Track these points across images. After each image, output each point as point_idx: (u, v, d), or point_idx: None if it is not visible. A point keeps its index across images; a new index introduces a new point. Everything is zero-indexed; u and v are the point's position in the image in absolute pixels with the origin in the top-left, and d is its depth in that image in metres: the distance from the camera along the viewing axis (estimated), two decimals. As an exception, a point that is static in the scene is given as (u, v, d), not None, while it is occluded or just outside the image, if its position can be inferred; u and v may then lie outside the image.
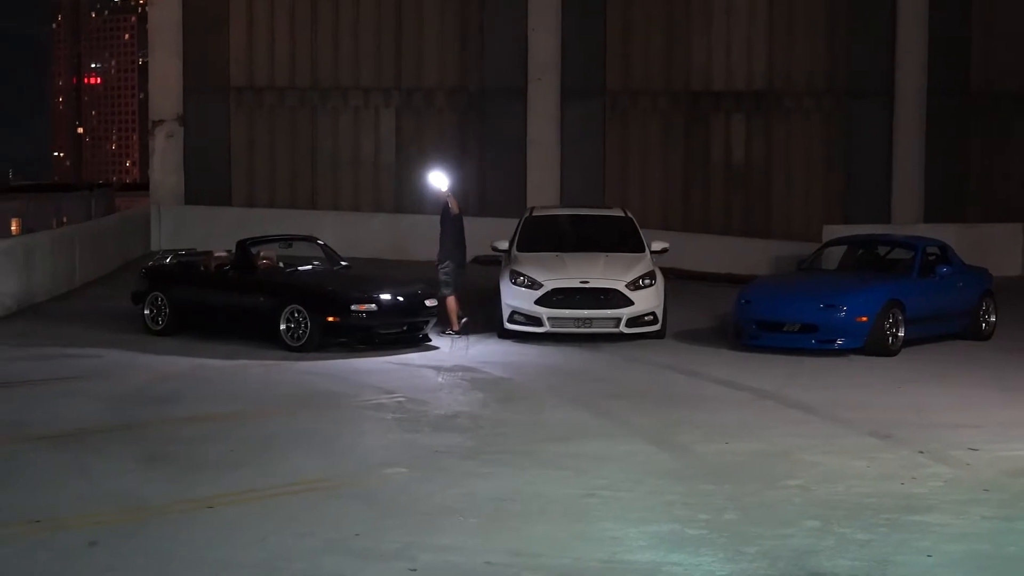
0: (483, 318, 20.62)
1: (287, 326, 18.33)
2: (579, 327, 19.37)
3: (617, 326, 19.34)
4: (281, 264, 20.05)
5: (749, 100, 33.36)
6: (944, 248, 20.60)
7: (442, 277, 20.02)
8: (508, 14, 33.86)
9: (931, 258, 20.09)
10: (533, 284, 19.44)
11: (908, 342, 18.65)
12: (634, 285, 19.45)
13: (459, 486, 10.80)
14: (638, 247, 20.68)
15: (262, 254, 19.87)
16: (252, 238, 20.23)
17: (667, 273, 21.14)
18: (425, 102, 34.60)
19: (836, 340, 18.26)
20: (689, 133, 33.67)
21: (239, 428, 13.26)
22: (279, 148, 35.18)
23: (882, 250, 21.23)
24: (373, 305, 18.42)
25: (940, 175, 32.79)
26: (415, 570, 8.60)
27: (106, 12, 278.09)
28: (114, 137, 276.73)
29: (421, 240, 20.65)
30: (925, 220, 31.63)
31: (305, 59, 35.03)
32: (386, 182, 34.49)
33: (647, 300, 19.49)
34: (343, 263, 20.32)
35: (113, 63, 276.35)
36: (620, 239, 21.00)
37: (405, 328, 18.85)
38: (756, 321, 18.79)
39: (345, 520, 9.71)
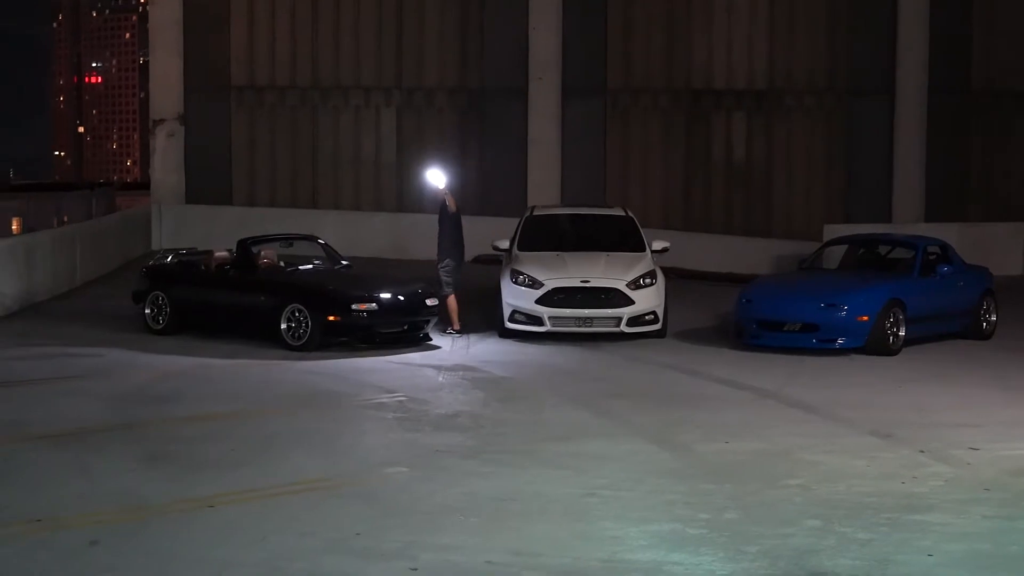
0: (484, 317, 20.63)
1: (288, 325, 18.33)
2: (580, 326, 19.36)
3: (618, 325, 19.34)
4: (282, 263, 20.05)
5: (750, 99, 33.36)
6: (945, 247, 20.60)
7: (442, 276, 20.02)
8: (509, 13, 33.86)
9: (932, 257, 20.09)
10: (534, 283, 19.44)
11: (909, 341, 18.64)
12: (635, 284, 19.45)
13: (460, 485, 10.80)
14: (639, 246, 20.67)
15: (263, 253, 19.86)
16: (253, 237, 20.23)
17: (668, 272, 21.14)
18: (426, 101, 34.61)
19: (837, 339, 18.26)
20: (690, 132, 33.66)
21: (240, 427, 13.26)
22: (280, 147, 35.19)
23: (883, 249, 21.23)
24: (374, 304, 18.42)
25: (941, 174, 32.79)
26: (416, 569, 8.60)
27: (107, 11, 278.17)
28: (115, 136, 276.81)
29: (422, 239, 20.66)
30: (926, 219, 31.63)
31: (306, 58, 35.03)
32: (387, 181, 34.49)
33: (648, 299, 19.49)
34: (344, 262, 20.33)
35: (114, 62, 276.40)
36: (621, 238, 21.00)
37: (406, 327, 18.85)
38: (757, 320, 18.79)
39: (346, 519, 9.71)
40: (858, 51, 32.98)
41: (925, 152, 32.68)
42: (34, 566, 8.64)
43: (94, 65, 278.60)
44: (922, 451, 12.27)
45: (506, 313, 19.60)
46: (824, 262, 21.41)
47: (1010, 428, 13.51)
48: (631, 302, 19.34)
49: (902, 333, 18.51)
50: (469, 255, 26.82)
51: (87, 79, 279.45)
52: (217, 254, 20.02)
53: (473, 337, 19.67)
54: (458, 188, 31.84)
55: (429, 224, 20.66)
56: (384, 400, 14.80)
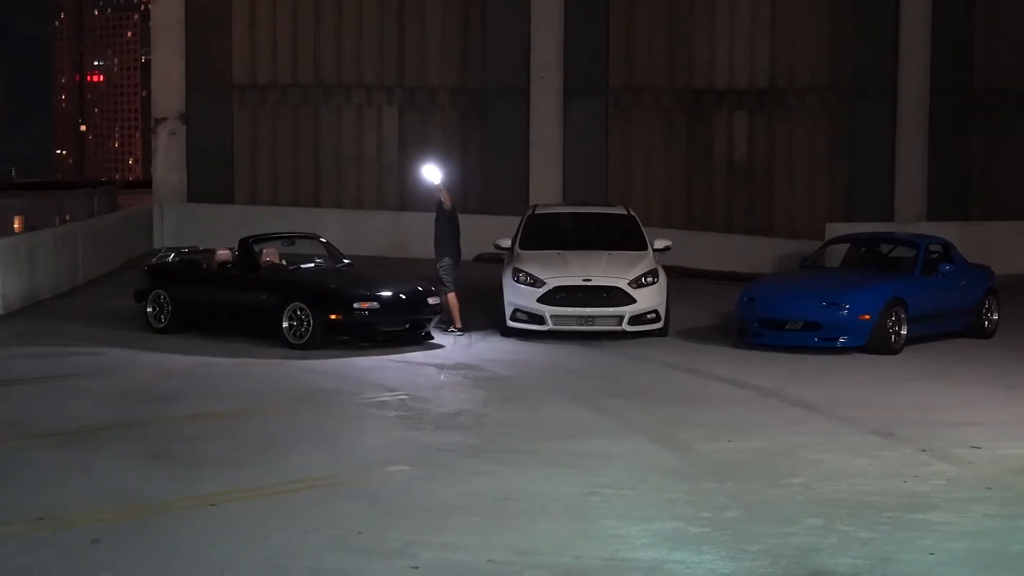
0: (486, 316, 20.64)
1: (290, 324, 18.33)
2: (582, 325, 19.37)
3: (620, 324, 19.34)
4: (284, 262, 20.05)
5: (752, 98, 33.35)
6: (947, 246, 20.59)
7: (442, 275, 20.03)
8: (511, 12, 33.86)
9: (934, 256, 20.08)
10: (536, 282, 19.44)
11: (911, 340, 18.64)
12: (637, 283, 19.46)
13: (461, 484, 10.80)
14: (641, 245, 20.68)
15: (265, 252, 19.86)
16: (255, 236, 20.23)
17: (670, 271, 21.14)
18: (428, 100, 34.61)
19: (839, 338, 18.26)
20: (692, 131, 33.65)
21: (241, 426, 13.26)
22: (282, 146, 35.20)
23: (885, 248, 21.23)
24: (375, 303, 18.43)
25: (943, 173, 32.78)
26: (417, 568, 8.60)
27: (109, 10, 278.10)
28: (117, 135, 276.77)
29: (423, 238, 20.65)
30: (928, 218, 31.60)
31: (308, 57, 35.03)
32: (389, 180, 34.50)
33: (650, 298, 19.49)
34: (346, 261, 20.33)
35: (116, 61, 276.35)
36: (623, 237, 21.00)
37: (407, 326, 18.85)
38: (759, 319, 18.79)
39: (348, 518, 9.71)
40: (860, 51, 32.96)
41: (927, 152, 32.67)
42: (36, 564, 8.65)
43: (96, 64, 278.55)
44: (924, 450, 12.27)
45: (508, 312, 19.60)
46: (826, 261, 21.41)
47: (1012, 427, 13.51)
48: (633, 301, 19.35)
49: (904, 332, 18.51)
50: (471, 254, 26.84)
51: (89, 78, 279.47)
52: (219, 253, 20.02)
53: (475, 336, 19.68)
54: (460, 187, 32.02)
55: (431, 222, 20.66)
56: (386, 399, 14.80)
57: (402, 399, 14.75)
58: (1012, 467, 11.62)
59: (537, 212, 21.91)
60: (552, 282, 19.40)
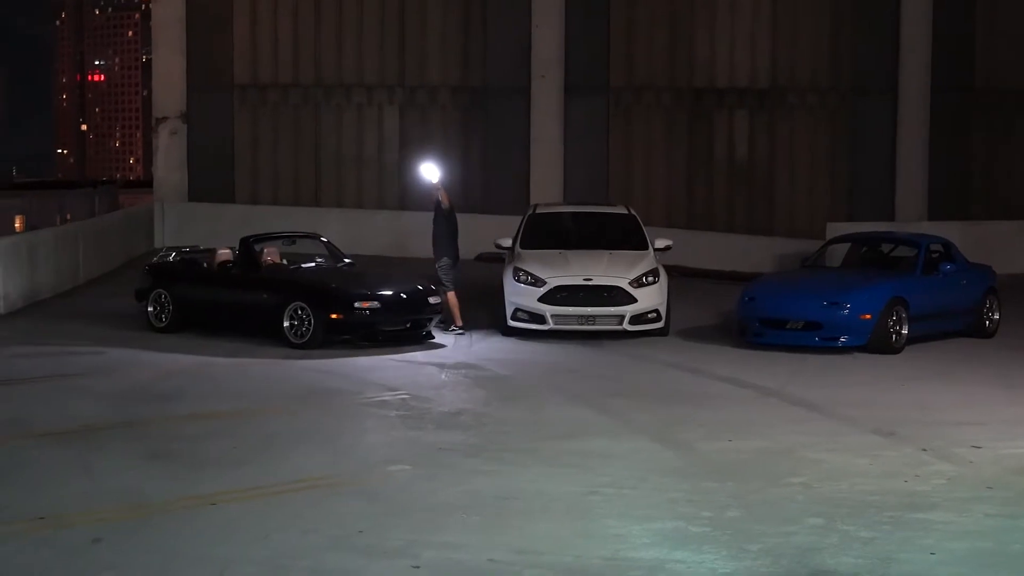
0: (487, 315, 20.64)
1: (291, 323, 18.33)
2: (582, 324, 19.36)
3: (620, 323, 19.33)
4: (285, 261, 20.05)
5: (752, 97, 33.34)
6: (948, 245, 20.59)
7: (440, 275, 20.04)
8: (511, 11, 33.85)
9: (935, 256, 20.08)
10: (536, 281, 19.43)
11: (912, 340, 18.63)
12: (637, 282, 19.45)
13: (462, 483, 10.80)
14: (641, 244, 20.67)
15: (266, 251, 19.85)
16: (256, 235, 20.23)
17: (670, 270, 21.14)
18: (429, 99, 34.61)
19: (840, 338, 18.25)
20: (693, 130, 33.64)
21: (242, 425, 13.26)
22: (283, 145, 35.20)
23: (886, 248, 21.22)
24: (376, 302, 18.43)
25: (944, 172, 32.77)
26: (418, 567, 8.60)
27: (110, 9, 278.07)
28: (118, 134, 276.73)
29: (424, 237, 20.61)
30: (929, 218, 31.59)
31: (308, 56, 35.04)
32: (389, 179, 34.50)
33: (650, 297, 19.49)
34: (346, 260, 20.32)
35: (117, 60, 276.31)
36: (623, 236, 20.99)
37: (408, 325, 18.85)
38: (760, 318, 18.79)
39: (348, 517, 9.71)
40: (861, 50, 32.95)
41: (928, 151, 32.65)
42: (37, 564, 8.65)
43: (97, 63, 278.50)
44: (925, 449, 12.26)
45: (509, 311, 19.60)
46: (827, 260, 21.40)
47: (1013, 426, 13.50)
48: (634, 300, 19.34)
49: (905, 331, 18.50)
50: (472, 253, 26.85)
51: (90, 77, 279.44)
52: (220, 252, 20.02)
53: (476, 335, 19.67)
54: (461, 186, 32.02)
55: (430, 222, 20.65)
56: (386, 398, 14.80)
57: (403, 398, 14.75)
58: (1013, 466, 11.62)
59: (538, 211, 21.90)
60: (553, 281, 19.40)
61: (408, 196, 33.37)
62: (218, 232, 28.53)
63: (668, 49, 33.62)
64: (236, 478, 10.92)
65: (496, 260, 23.33)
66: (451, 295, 19.87)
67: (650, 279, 19.59)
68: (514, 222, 22.08)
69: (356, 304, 18.31)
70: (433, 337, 19.15)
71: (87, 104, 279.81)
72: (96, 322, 20.71)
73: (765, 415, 14.04)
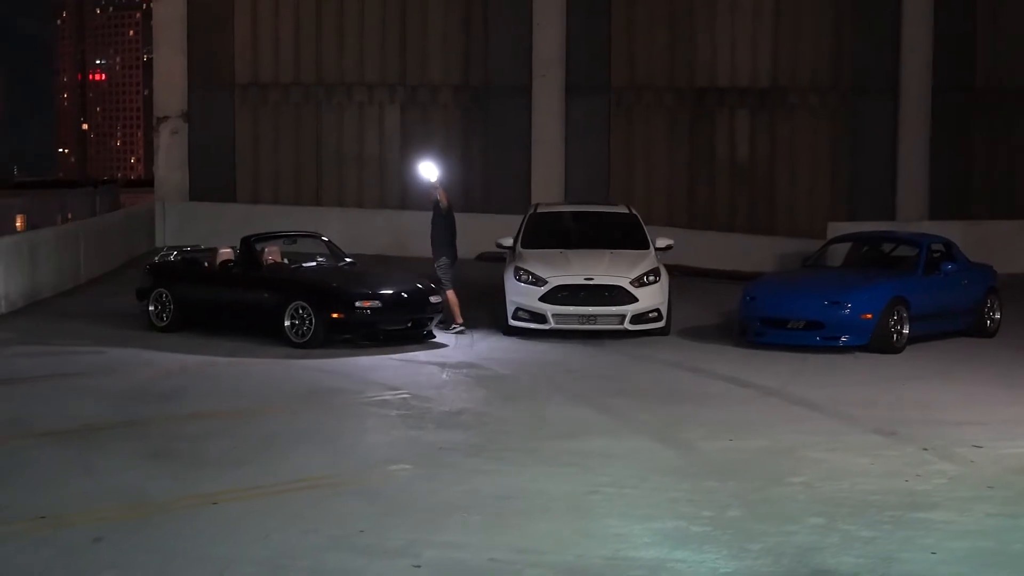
0: (488, 315, 20.63)
1: (291, 322, 18.33)
2: (583, 324, 19.36)
3: (621, 323, 19.33)
4: (286, 260, 20.04)
5: (754, 97, 33.34)
6: (949, 245, 20.59)
7: (439, 274, 20.05)
8: (512, 10, 33.86)
9: (936, 255, 20.07)
10: (537, 281, 19.43)
11: (913, 339, 18.63)
12: (639, 282, 19.45)
13: (463, 483, 10.80)
14: (643, 244, 20.66)
15: (267, 251, 19.84)
16: (257, 235, 20.22)
17: (672, 270, 21.13)
18: (430, 98, 34.61)
19: (841, 337, 18.25)
20: (694, 130, 33.65)
21: (243, 425, 13.26)
22: (284, 144, 35.20)
23: (887, 247, 21.22)
24: (377, 301, 18.43)
25: (945, 172, 32.78)
26: (419, 567, 8.60)
27: (111, 8, 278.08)
28: (119, 133, 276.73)
29: (425, 237, 20.61)
30: (930, 217, 31.58)
31: (309, 55, 35.04)
32: (390, 178, 34.49)
33: (652, 297, 19.48)
34: (347, 259, 20.32)
35: (118, 60, 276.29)
36: (624, 236, 20.99)
37: (409, 324, 18.85)
38: (761, 318, 18.79)
39: (349, 517, 9.71)
40: (862, 49, 32.96)
41: (929, 150, 32.66)
42: (37, 563, 8.65)
43: (98, 62, 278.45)
44: (926, 449, 12.26)
45: (510, 311, 19.59)
46: (828, 260, 21.39)
47: (1014, 426, 13.49)
48: (635, 300, 19.33)
49: (906, 331, 18.50)
50: (473, 252, 26.83)
51: (91, 76, 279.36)
52: (221, 251, 20.02)
53: (477, 334, 19.67)
54: (462, 185, 32.05)
55: (430, 222, 20.67)
56: (387, 397, 14.80)
57: (404, 398, 14.75)
58: (1014, 466, 11.62)
59: (539, 211, 21.90)
60: (554, 281, 19.39)
61: (409, 195, 33.35)
62: (219, 231, 28.53)
63: (669, 49, 33.62)
64: (237, 478, 10.92)
65: (497, 259, 23.33)
66: (450, 293, 19.87)
67: (651, 278, 19.59)
68: (515, 221, 22.07)
69: (357, 303, 18.30)
70: (434, 336, 19.14)
71: (88, 103, 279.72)
72: (97, 321, 20.71)
73: (766, 415, 14.04)
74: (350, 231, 30.31)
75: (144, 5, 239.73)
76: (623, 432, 13.09)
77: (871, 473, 11.29)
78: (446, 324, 19.71)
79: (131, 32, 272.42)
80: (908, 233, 22.87)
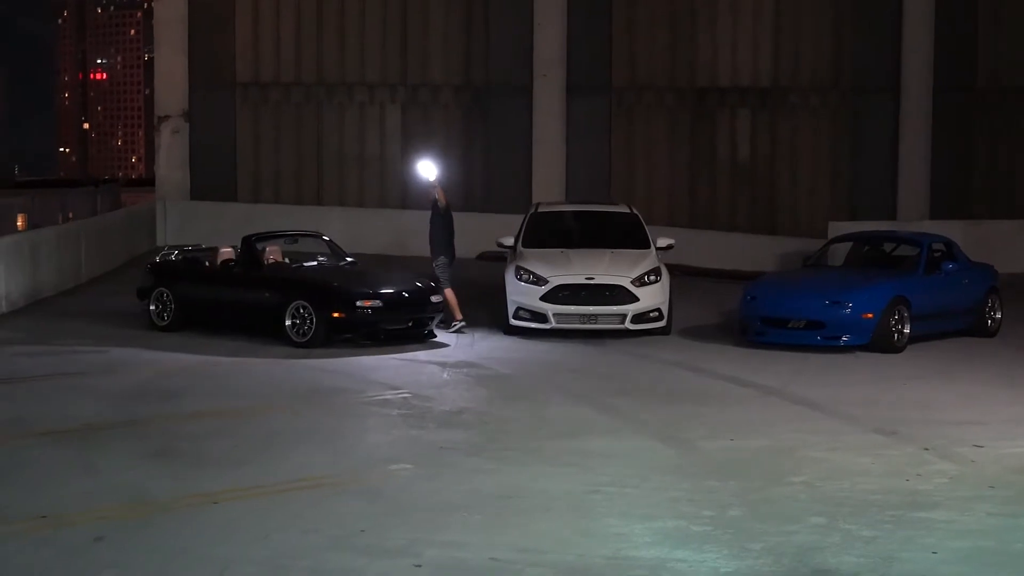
0: (489, 314, 20.63)
1: (293, 322, 18.32)
2: (584, 323, 19.36)
3: (622, 322, 19.33)
4: (287, 260, 20.04)
5: (754, 96, 33.32)
6: (950, 245, 20.58)
7: (437, 272, 20.07)
8: (513, 10, 33.84)
9: (937, 255, 20.07)
10: (538, 280, 19.43)
11: (914, 339, 18.63)
12: (640, 281, 19.45)
13: (464, 482, 10.81)
14: (643, 243, 20.66)
15: (268, 250, 19.84)
16: (258, 234, 20.21)
17: (672, 269, 21.13)
18: (431, 98, 34.60)
19: (842, 337, 18.24)
20: (695, 129, 33.63)
21: (244, 424, 13.27)
22: (284, 144, 35.19)
23: (888, 247, 21.21)
24: (378, 301, 18.42)
25: (946, 171, 32.75)
26: (420, 566, 8.60)
27: (112, 8, 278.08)
28: (120, 133, 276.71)
29: (426, 236, 20.62)
30: (931, 217, 31.55)
31: (311, 55, 35.02)
32: (391, 178, 34.46)
33: (653, 296, 19.48)
34: (348, 259, 20.32)
35: (119, 59, 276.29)
36: (625, 235, 20.98)
37: (410, 324, 18.84)
38: (761, 317, 18.78)
39: (350, 516, 9.71)
40: (863, 49, 32.92)
41: (930, 149, 32.63)
42: (38, 563, 8.65)
43: (99, 62, 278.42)
44: (926, 448, 12.26)
45: (511, 310, 19.59)
46: (829, 259, 21.39)
47: (1014, 426, 13.49)
48: (636, 299, 19.33)
49: (907, 330, 18.50)
50: (474, 252, 26.80)
51: (92, 76, 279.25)
52: (222, 251, 20.02)
53: (478, 334, 19.67)
54: (463, 185, 32.04)
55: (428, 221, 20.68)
56: (388, 397, 14.80)
57: (405, 397, 14.75)
58: (1014, 466, 11.62)
59: (540, 210, 21.89)
60: (555, 280, 19.39)
61: (410, 195, 33.33)
62: (220, 231, 28.50)
63: (670, 48, 33.60)
64: (237, 477, 10.92)
65: (498, 259, 23.33)
66: (448, 292, 19.86)
67: (652, 278, 19.59)
68: (516, 221, 22.07)
69: (358, 303, 18.30)
70: (435, 336, 19.14)
71: (89, 103, 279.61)
72: (98, 321, 20.71)
73: (767, 414, 14.04)
74: (351, 231, 30.29)
75: (145, 4, 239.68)
76: (624, 431, 13.09)
77: (872, 473, 11.29)
78: (447, 323, 19.71)
79: (132, 31, 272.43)
80: (909, 233, 22.86)
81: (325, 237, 20.93)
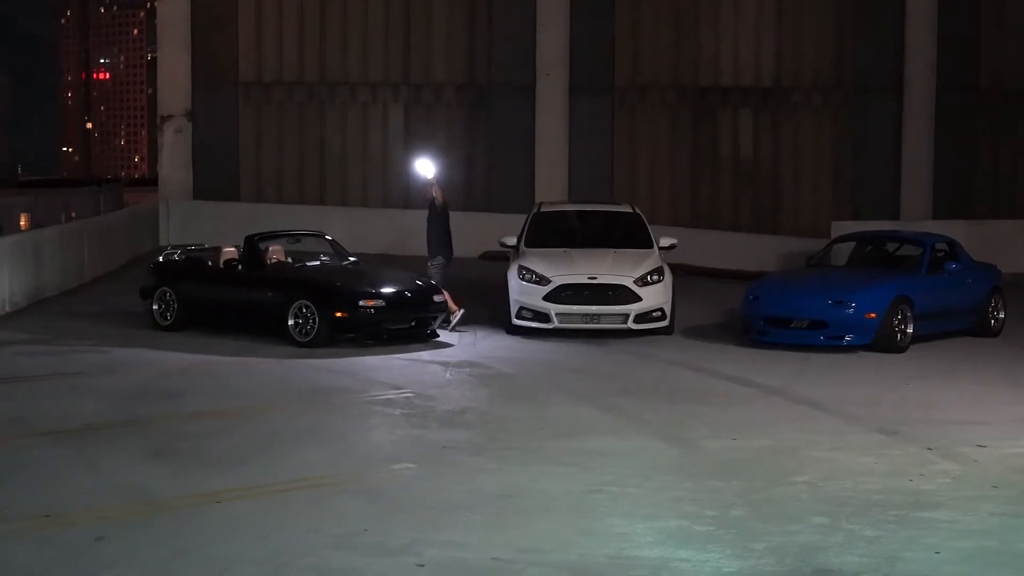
0: (491, 314, 20.62)
1: (295, 321, 18.32)
2: (587, 323, 19.35)
3: (625, 322, 19.31)
4: (289, 259, 20.03)
5: (757, 96, 33.32)
6: (953, 244, 20.57)
7: (431, 271, 20.07)
8: (516, 10, 33.83)
9: (940, 254, 20.05)
10: (541, 280, 19.42)
11: (917, 338, 18.61)
12: (642, 281, 19.43)
13: (466, 482, 10.80)
14: (646, 243, 20.65)
15: (271, 250, 19.82)
16: (260, 234, 20.22)
17: (675, 269, 21.11)
18: (433, 97, 34.59)
19: (845, 336, 18.23)
20: (697, 129, 33.62)
21: (246, 424, 13.26)
22: (287, 143, 35.20)
23: (891, 246, 21.20)
24: (381, 300, 18.42)
25: (949, 171, 32.74)
26: (422, 565, 8.59)
27: (115, 7, 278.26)
28: (123, 132, 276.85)
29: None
30: (934, 216, 31.55)
31: (313, 54, 35.02)
32: (394, 178, 34.44)
33: (655, 296, 19.46)
34: (351, 258, 20.31)
35: (122, 58, 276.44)
36: (628, 235, 20.97)
37: (413, 323, 18.84)
38: (764, 317, 18.77)
39: (352, 516, 9.70)
40: (865, 49, 32.92)
41: (933, 149, 32.62)
42: (39, 562, 8.64)
43: (102, 61, 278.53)
44: (929, 448, 12.25)
45: (513, 310, 19.58)
46: (832, 259, 21.38)
47: (1018, 425, 13.48)
48: (638, 299, 19.32)
49: (910, 330, 18.48)
50: (476, 251, 26.79)
51: (95, 75, 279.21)
52: (225, 250, 20.01)
53: (480, 333, 19.66)
54: (465, 184, 32.06)
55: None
56: (391, 396, 14.79)
57: (407, 397, 14.74)
58: (1017, 466, 11.61)
59: (543, 210, 21.88)
60: (558, 280, 19.38)
61: (412, 195, 33.31)
62: (223, 230, 28.48)
63: (672, 48, 33.59)
64: (239, 476, 10.92)
65: (501, 258, 23.32)
66: (444, 292, 19.84)
67: (655, 278, 19.57)
68: (519, 221, 22.06)
69: (361, 302, 18.29)
70: (438, 335, 19.13)
71: (92, 102, 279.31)
72: (101, 320, 20.71)
73: (769, 414, 14.03)
74: (353, 230, 30.27)
75: (148, 4, 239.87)
76: (626, 431, 13.08)
77: (875, 472, 11.28)
78: (447, 324, 19.67)
79: (135, 31, 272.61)
80: (912, 232, 22.85)
81: (328, 237, 20.91)
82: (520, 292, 19.53)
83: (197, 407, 14.14)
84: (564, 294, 19.31)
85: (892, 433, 12.94)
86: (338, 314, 18.20)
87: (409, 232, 31.63)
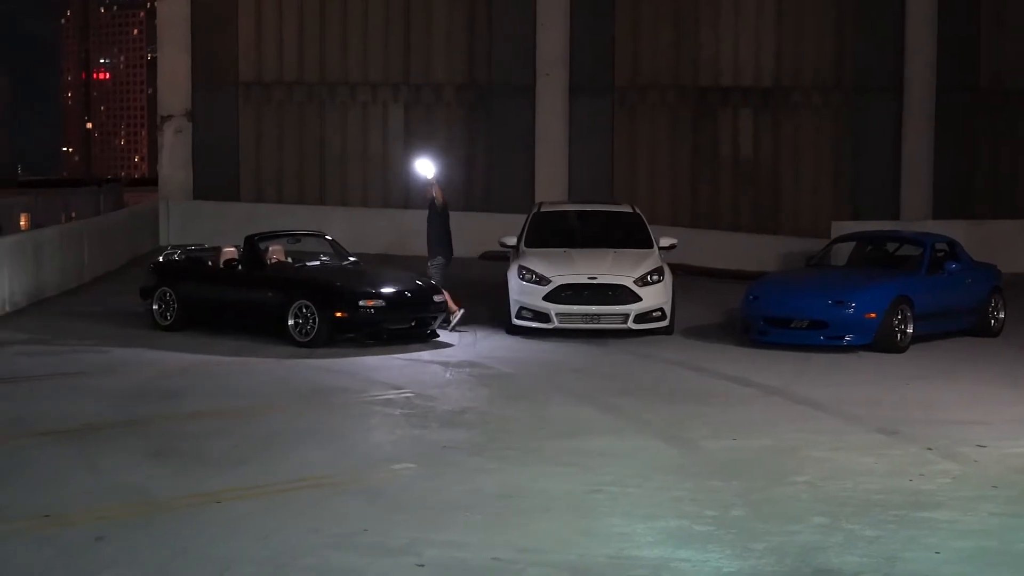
0: (491, 314, 20.62)
1: (295, 321, 18.32)
2: (587, 323, 19.35)
3: (625, 322, 19.31)
4: (289, 259, 20.03)
5: (757, 96, 33.32)
6: (953, 244, 20.57)
7: (431, 271, 20.07)
8: (516, 9, 33.83)
9: (940, 254, 20.05)
10: (541, 280, 19.42)
11: (917, 338, 18.61)
12: (642, 281, 19.43)
13: (466, 482, 10.79)
14: (646, 243, 20.65)
15: (271, 250, 19.82)
16: (260, 234, 20.22)
17: (675, 269, 21.10)
18: (434, 97, 34.59)
19: (845, 336, 18.23)
20: (697, 129, 33.62)
21: (246, 424, 13.26)
22: (287, 143, 35.20)
23: (891, 246, 21.19)
24: (381, 300, 18.42)
25: (949, 171, 32.74)
26: (422, 565, 8.59)
27: (115, 7, 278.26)
28: (123, 132, 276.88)
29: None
30: (934, 216, 31.55)
31: (313, 54, 35.02)
32: (394, 178, 34.44)
33: (655, 296, 19.46)
34: (351, 258, 20.31)
35: (122, 58, 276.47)
36: (628, 235, 20.97)
37: (413, 323, 18.84)
38: (764, 317, 18.77)
39: (352, 516, 9.70)
40: (865, 49, 32.92)
41: (933, 149, 32.62)
42: (39, 562, 8.64)
43: (102, 61, 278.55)
44: (929, 448, 12.24)
45: (513, 310, 19.58)
46: (832, 259, 21.37)
47: (1018, 425, 13.48)
48: (638, 299, 19.32)
49: (910, 330, 18.48)
50: (476, 251, 26.79)
51: (95, 75, 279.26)
52: (225, 250, 20.01)
53: (480, 333, 19.66)
54: (465, 184, 32.06)
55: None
56: (391, 396, 14.79)
57: (407, 397, 14.74)
58: (1017, 466, 11.60)
59: (543, 210, 21.87)
60: (558, 280, 19.38)
61: (412, 195, 33.31)
62: (223, 230, 28.49)
63: (673, 48, 33.60)
64: (239, 476, 10.92)
65: (501, 258, 23.31)
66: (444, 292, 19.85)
67: (655, 278, 19.57)
68: (519, 221, 22.06)
69: (361, 302, 18.29)
70: (438, 335, 19.13)
71: (92, 102, 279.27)
72: (101, 320, 20.71)
73: (769, 414, 14.03)
74: (353, 230, 30.27)
75: (148, 4, 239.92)
76: (626, 431, 13.08)
77: (875, 472, 11.28)
78: (448, 325, 19.67)
79: (135, 31, 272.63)
80: (912, 232, 22.85)
81: (328, 237, 20.91)
82: (520, 292, 19.53)
83: (197, 407, 14.14)
84: (564, 294, 19.31)
85: (892, 433, 12.94)
86: (338, 314, 18.20)
87: (409, 232, 31.62)
